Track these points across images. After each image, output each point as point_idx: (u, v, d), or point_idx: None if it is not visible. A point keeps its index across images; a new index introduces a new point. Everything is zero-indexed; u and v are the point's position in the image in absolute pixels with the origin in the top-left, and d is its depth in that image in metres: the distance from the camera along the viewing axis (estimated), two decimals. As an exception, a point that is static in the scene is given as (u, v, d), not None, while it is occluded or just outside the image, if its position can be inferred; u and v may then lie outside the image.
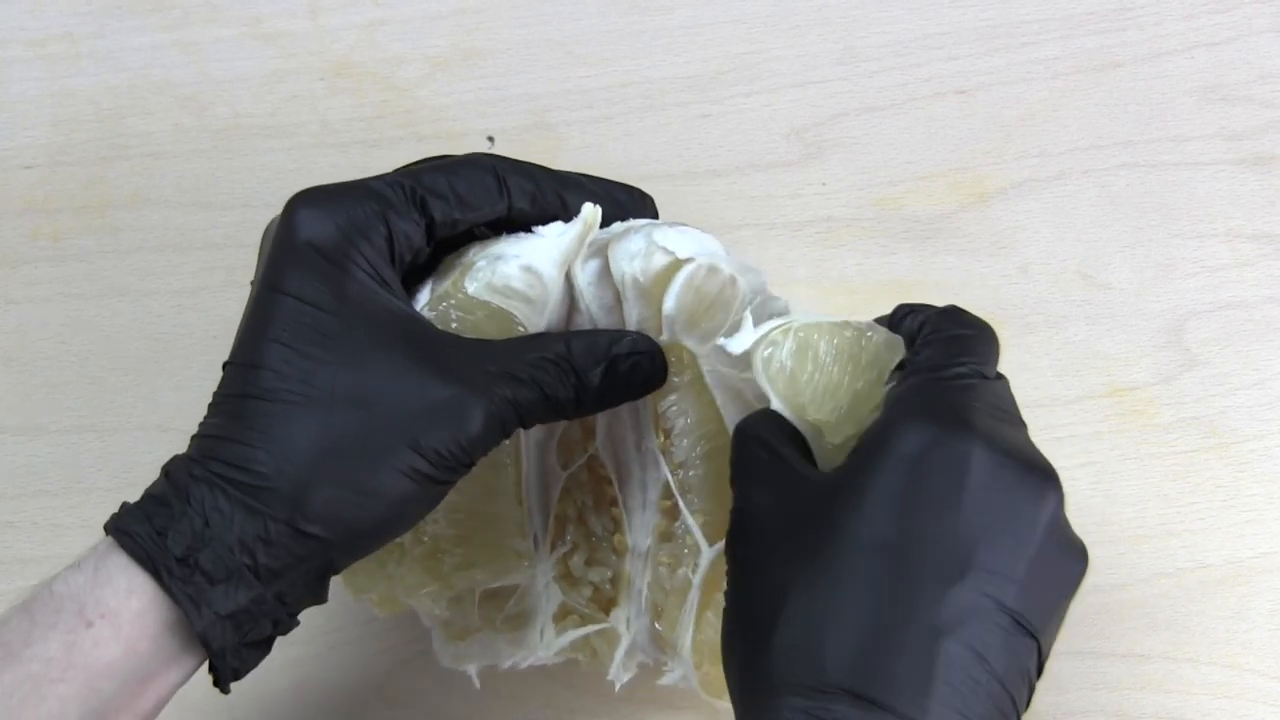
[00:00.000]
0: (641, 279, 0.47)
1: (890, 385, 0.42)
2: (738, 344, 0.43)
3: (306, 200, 0.43)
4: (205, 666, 0.41)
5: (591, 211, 0.47)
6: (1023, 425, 0.41)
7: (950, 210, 0.63)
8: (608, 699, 0.55)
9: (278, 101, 0.65)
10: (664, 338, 0.47)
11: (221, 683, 0.42)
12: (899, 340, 0.44)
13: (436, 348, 0.43)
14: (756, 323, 0.45)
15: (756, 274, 0.48)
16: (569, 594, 0.51)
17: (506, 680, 0.56)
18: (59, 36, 0.65)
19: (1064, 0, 0.66)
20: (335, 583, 0.58)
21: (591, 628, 0.51)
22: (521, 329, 0.47)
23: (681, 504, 0.49)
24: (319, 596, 0.43)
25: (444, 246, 0.47)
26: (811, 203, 0.63)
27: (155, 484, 0.41)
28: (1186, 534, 0.58)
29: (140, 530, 0.40)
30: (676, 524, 0.49)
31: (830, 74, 0.65)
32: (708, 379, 0.48)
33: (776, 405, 0.42)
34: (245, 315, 0.43)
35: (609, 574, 0.51)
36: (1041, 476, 0.38)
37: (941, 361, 0.41)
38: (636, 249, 0.47)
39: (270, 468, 0.40)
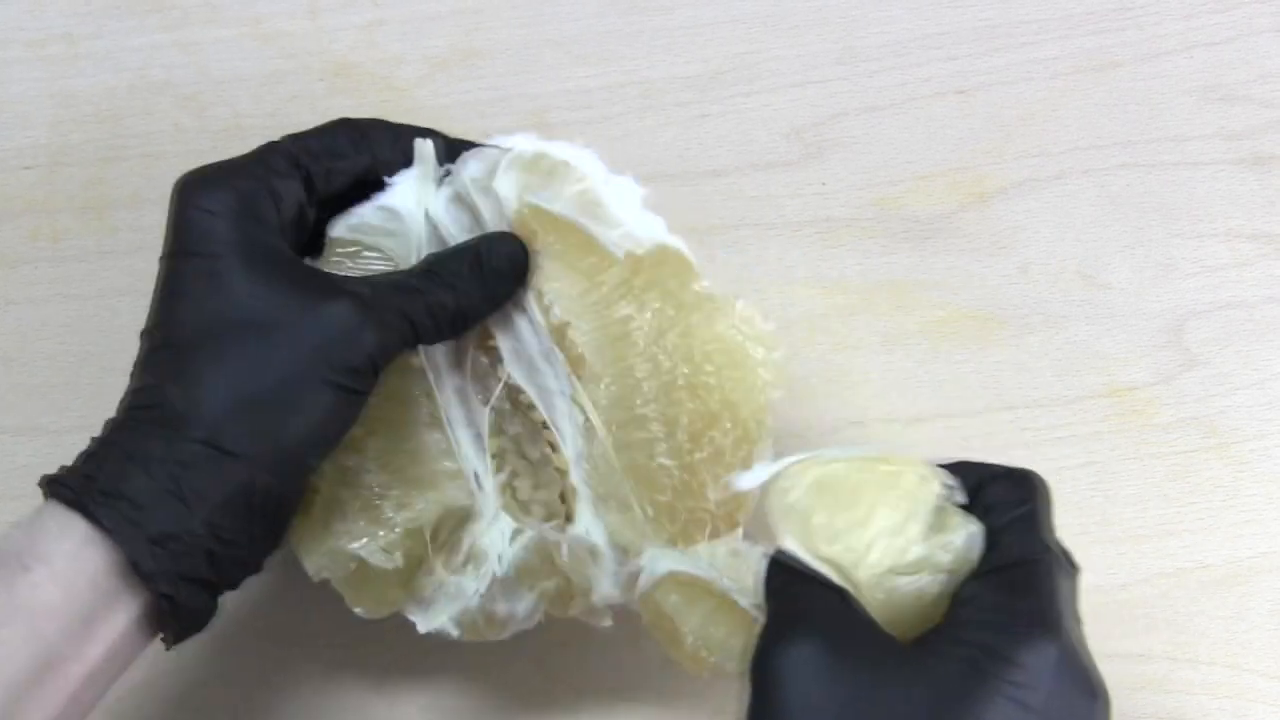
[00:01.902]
0: (479, 176, 0.50)
1: (969, 573, 0.41)
2: (749, 480, 0.43)
3: (193, 175, 0.48)
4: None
5: (422, 144, 0.51)
6: (1080, 623, 0.41)
7: (950, 210, 0.63)
8: (608, 699, 0.55)
9: (278, 101, 0.65)
10: (511, 216, 0.50)
11: (163, 628, 0.43)
12: (937, 473, 0.42)
13: (324, 278, 0.47)
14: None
15: (631, 185, 0.51)
16: (522, 520, 0.51)
17: (506, 680, 0.56)
18: (58, 37, 0.65)
19: (1063, 0, 0.66)
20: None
21: (544, 525, 0.51)
22: (392, 264, 0.51)
23: (579, 387, 0.50)
24: (250, 528, 0.44)
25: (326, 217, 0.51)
26: (811, 202, 0.63)
27: (86, 446, 0.44)
28: (1186, 534, 0.58)
29: (70, 480, 0.42)
30: (585, 408, 0.51)
31: (830, 74, 0.65)
32: (561, 216, 0.50)
33: (789, 545, 0.40)
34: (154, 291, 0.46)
35: (558, 491, 0.51)
36: (1100, 698, 0.39)
37: (1026, 554, 0.40)
38: (474, 158, 0.51)
39: (183, 399, 0.43)
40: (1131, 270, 0.62)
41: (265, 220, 0.47)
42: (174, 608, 0.42)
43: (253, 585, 0.50)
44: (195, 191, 0.47)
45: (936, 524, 0.41)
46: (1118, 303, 0.62)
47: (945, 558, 0.41)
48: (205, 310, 0.44)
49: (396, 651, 0.56)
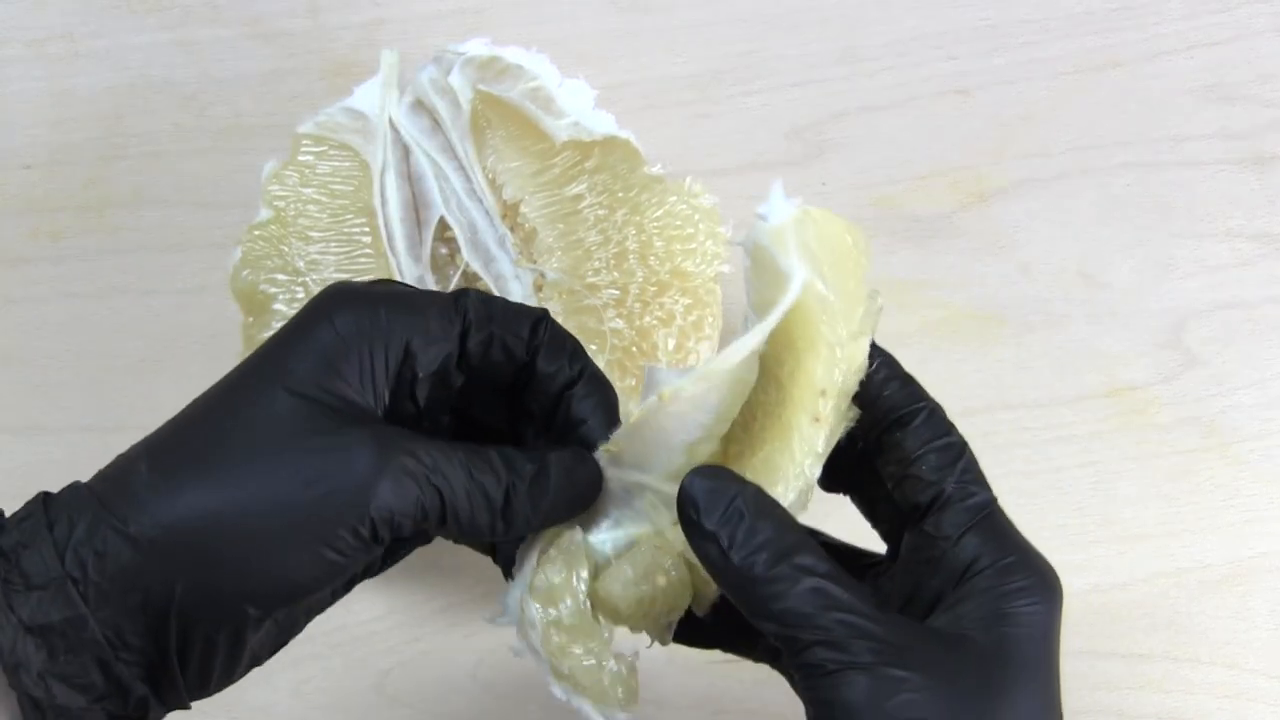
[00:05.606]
0: (436, 76, 0.54)
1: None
2: (772, 210, 0.41)
3: (342, 289, 0.39)
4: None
5: (387, 53, 0.55)
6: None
7: (950, 210, 0.63)
8: (607, 699, 0.55)
9: (278, 101, 0.65)
10: (467, 110, 0.53)
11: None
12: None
13: (371, 449, 0.36)
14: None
15: (584, 86, 0.55)
16: None
17: (506, 680, 0.56)
18: (59, 36, 0.65)
19: (1064, 0, 0.66)
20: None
21: None
22: (356, 152, 0.54)
23: (527, 257, 0.53)
24: (162, 645, 0.36)
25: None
26: (811, 202, 0.63)
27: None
28: (1186, 534, 0.58)
29: None
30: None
31: (830, 73, 0.65)
32: (513, 103, 0.53)
33: (795, 283, 0.40)
34: (236, 381, 0.38)
35: None
36: None
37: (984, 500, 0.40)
38: (431, 63, 0.55)
39: (146, 485, 0.35)
40: (1131, 270, 0.62)
41: (368, 373, 0.37)
42: (41, 716, 0.34)
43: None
44: (338, 320, 0.38)
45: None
46: (1118, 302, 0.62)
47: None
48: (235, 420, 0.36)
49: (399, 652, 0.56)
